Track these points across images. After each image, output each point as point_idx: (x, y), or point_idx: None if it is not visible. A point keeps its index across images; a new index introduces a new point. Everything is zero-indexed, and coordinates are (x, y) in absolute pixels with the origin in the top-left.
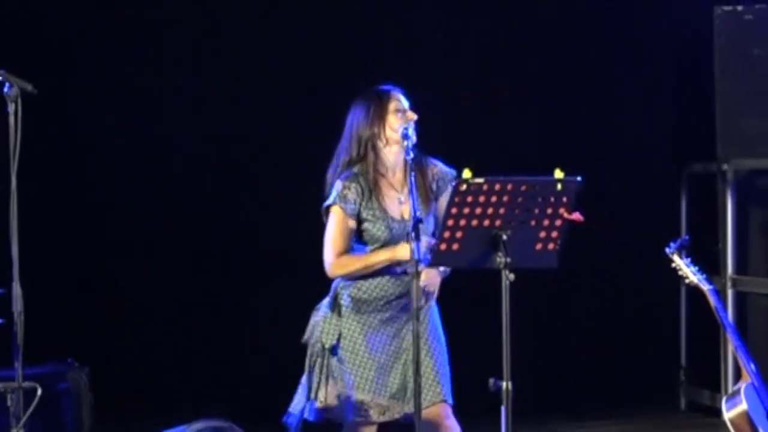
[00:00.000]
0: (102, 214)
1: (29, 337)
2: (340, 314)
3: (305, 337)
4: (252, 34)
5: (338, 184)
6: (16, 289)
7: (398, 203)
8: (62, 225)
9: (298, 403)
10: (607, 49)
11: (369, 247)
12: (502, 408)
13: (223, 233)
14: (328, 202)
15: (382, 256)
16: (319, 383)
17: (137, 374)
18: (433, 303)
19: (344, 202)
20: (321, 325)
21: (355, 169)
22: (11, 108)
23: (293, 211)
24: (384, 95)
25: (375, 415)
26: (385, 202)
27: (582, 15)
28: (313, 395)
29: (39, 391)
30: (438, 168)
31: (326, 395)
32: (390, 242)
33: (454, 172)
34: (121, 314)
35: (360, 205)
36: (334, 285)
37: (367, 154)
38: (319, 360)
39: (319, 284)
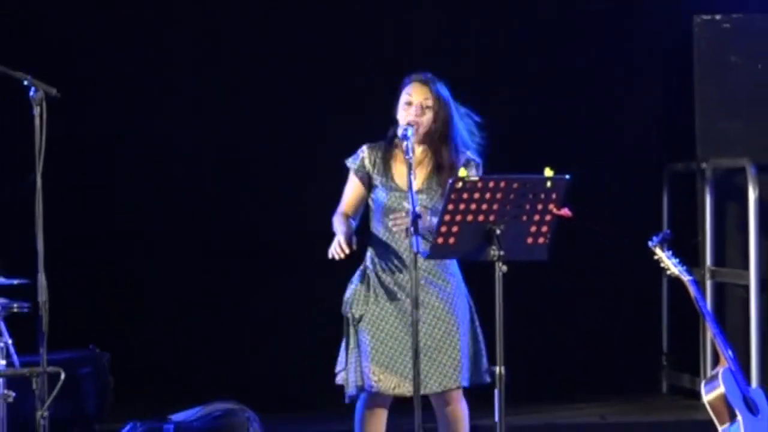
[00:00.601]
0: (123, 211)
1: (53, 325)
2: (369, 286)
3: (343, 309)
4: (252, 34)
5: (362, 148)
6: (41, 280)
7: (406, 177)
8: (85, 221)
9: (349, 374)
10: (595, 58)
11: (374, 210)
12: (496, 391)
13: (231, 230)
14: (348, 160)
15: (336, 228)
16: (354, 350)
17: (154, 359)
18: (458, 279)
19: (357, 165)
20: (352, 296)
21: (382, 141)
22: (36, 111)
23: (293, 210)
24: (402, 87)
25: (384, 390)
26: (393, 173)
27: (573, 26)
28: (355, 364)
29: (62, 375)
30: (465, 156)
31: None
32: (390, 208)
33: (478, 161)
34: (138, 304)
35: (371, 171)
36: (365, 258)
37: (393, 133)
38: (349, 329)
39: (324, 273)
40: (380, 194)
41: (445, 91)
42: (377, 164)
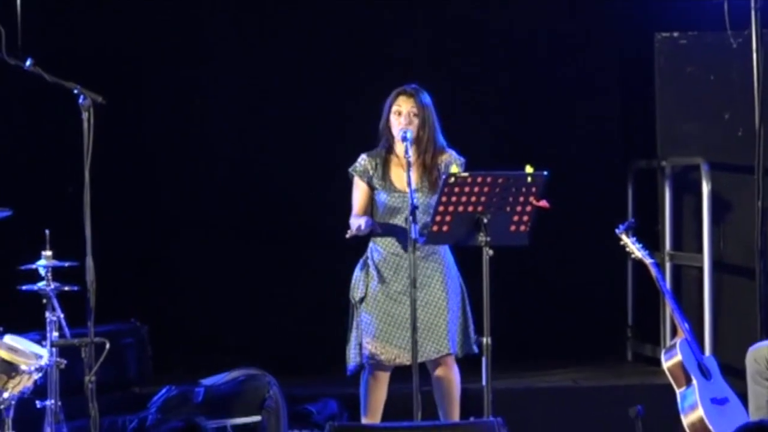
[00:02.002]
0: (160, 203)
1: (99, 302)
2: (367, 273)
3: (349, 294)
4: (281, 48)
5: (362, 157)
6: (89, 262)
7: (405, 179)
8: (128, 212)
9: (350, 350)
10: (571, 69)
11: (380, 212)
12: (483, 359)
13: (255, 219)
14: (351, 168)
15: (356, 222)
16: (355, 329)
17: (187, 331)
18: (450, 262)
19: (361, 173)
20: (354, 282)
21: (378, 149)
22: (85, 116)
23: (312, 202)
24: (392, 98)
25: (386, 361)
26: (392, 177)
27: (551, 42)
28: (356, 341)
29: (107, 346)
30: (448, 154)
31: (361, 342)
32: (391, 207)
33: (462, 159)
34: (174, 284)
35: (372, 176)
36: (367, 249)
37: (385, 140)
38: (354, 312)
39: (336, 258)
40: (381, 196)
41: (427, 99)
42: (377, 169)
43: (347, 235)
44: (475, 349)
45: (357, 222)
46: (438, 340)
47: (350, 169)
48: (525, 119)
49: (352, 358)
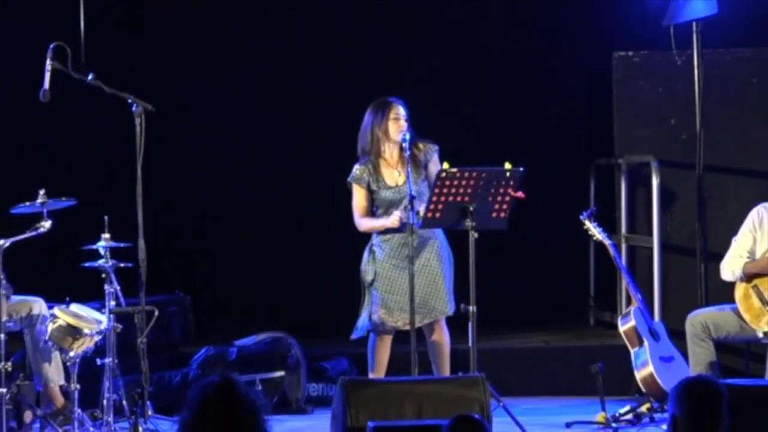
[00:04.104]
0: (202, 192)
1: (149, 276)
2: (374, 257)
3: (360, 275)
4: (306, 62)
5: (355, 167)
6: (141, 243)
7: (395, 176)
8: (173, 200)
9: (360, 321)
10: (543, 82)
11: (379, 209)
12: (470, 324)
13: (284, 204)
14: (349, 179)
15: (379, 223)
16: (367, 305)
17: (224, 301)
18: (443, 241)
19: (358, 180)
20: (363, 265)
21: (367, 157)
22: (137, 121)
23: (327, 195)
24: (387, 106)
25: (392, 325)
26: (384, 176)
27: (525, 59)
28: (367, 314)
29: (156, 313)
30: (423, 143)
31: (370, 314)
32: (389, 200)
33: (436, 146)
34: (213, 261)
35: (369, 180)
36: (371, 237)
37: (375, 146)
38: (366, 290)
39: (347, 240)
40: (381, 193)
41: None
42: (371, 174)
43: (397, 224)
44: (451, 310)
45: (397, 215)
46: (434, 307)
47: (348, 180)
48: (505, 122)
49: (361, 328)
